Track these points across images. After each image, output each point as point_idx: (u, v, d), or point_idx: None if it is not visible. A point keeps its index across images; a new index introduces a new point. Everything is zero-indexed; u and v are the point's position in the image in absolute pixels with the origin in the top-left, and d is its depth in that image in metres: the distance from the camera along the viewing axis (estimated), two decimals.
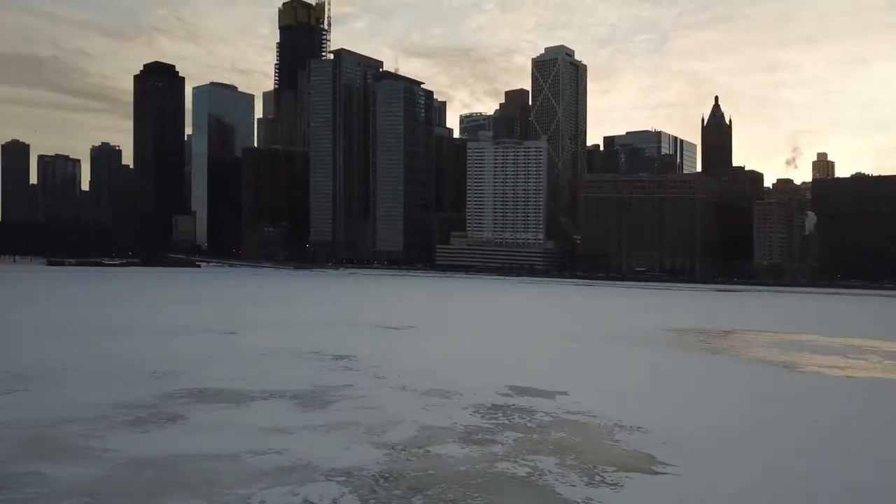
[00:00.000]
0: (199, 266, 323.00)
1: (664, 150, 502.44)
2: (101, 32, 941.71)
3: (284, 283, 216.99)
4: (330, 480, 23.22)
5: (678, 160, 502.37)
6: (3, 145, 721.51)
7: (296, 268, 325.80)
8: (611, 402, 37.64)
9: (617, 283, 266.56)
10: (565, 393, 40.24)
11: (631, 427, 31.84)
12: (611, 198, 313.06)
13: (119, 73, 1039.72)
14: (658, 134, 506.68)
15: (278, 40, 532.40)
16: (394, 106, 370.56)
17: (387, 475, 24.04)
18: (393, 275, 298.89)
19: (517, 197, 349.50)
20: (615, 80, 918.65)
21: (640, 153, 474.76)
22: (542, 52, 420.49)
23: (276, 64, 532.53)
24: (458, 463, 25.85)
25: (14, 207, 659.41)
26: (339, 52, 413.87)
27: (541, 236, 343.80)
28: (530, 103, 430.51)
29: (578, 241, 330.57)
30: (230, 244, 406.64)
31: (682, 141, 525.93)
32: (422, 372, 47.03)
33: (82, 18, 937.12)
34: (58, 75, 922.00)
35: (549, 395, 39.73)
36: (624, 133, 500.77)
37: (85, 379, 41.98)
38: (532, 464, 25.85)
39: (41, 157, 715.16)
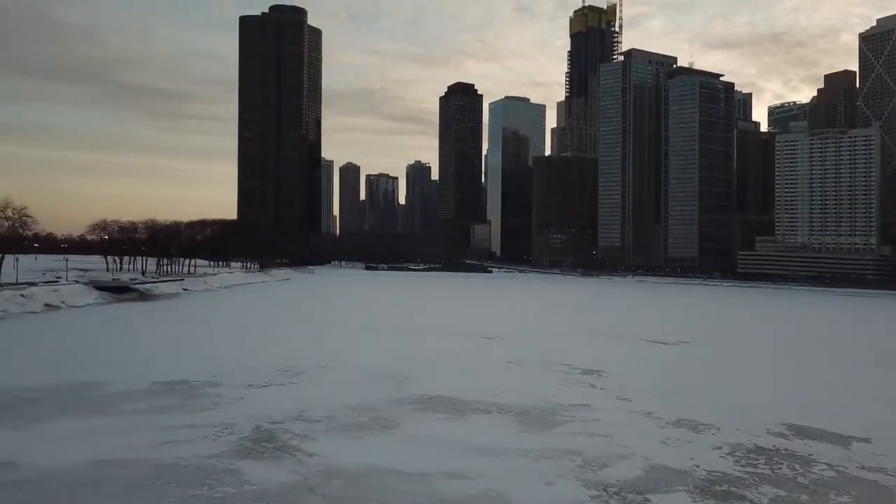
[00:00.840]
0: (490, 272, 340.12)
1: None
2: (416, 61, 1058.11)
3: (568, 289, 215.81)
4: None
5: None
6: (341, 167, 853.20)
7: (582, 274, 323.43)
8: None
9: None
10: (866, 440, 30.60)
11: None
12: None
13: (430, 96, 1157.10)
14: None
15: (569, 49, 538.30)
16: (688, 102, 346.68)
17: None
18: (686, 283, 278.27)
19: (840, 195, 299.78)
20: None
21: None
22: (874, 24, 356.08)
23: (566, 72, 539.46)
24: None
25: (347, 220, 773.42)
26: (630, 53, 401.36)
27: (873, 241, 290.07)
28: (857, 86, 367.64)
29: None
30: (521, 251, 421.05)
31: None
32: (677, 396, 40.43)
33: (400, 50, 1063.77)
34: (383, 103, 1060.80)
35: (842, 441, 30.55)
36: None
37: (340, 376, 44.35)
38: None
39: (368, 176, 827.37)
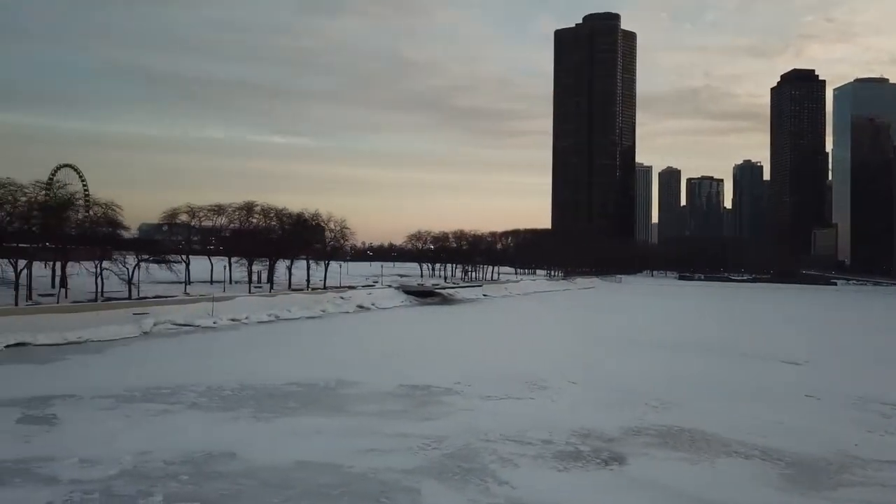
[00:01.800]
0: (833, 284, 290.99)
1: None
2: (747, 53, 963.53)
3: None
4: None
5: None
6: (659, 172, 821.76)
7: None
8: None
9: None
10: None
11: None
12: None
13: (762, 89, 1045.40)
14: None
15: None
16: None
17: None
18: None
19: None
20: None
21: None
22: None
23: None
24: None
25: (666, 227, 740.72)
26: None
27: None
28: None
29: None
30: (878, 260, 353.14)
31: None
32: None
33: (727, 44, 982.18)
34: (708, 102, 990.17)
35: None
36: None
37: (584, 394, 40.23)
38: None
39: (689, 180, 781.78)
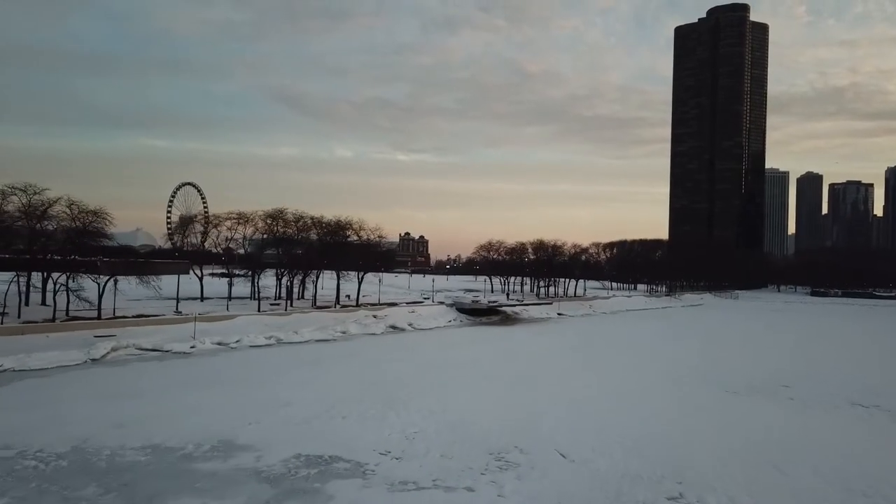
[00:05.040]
0: None
1: None
2: None
3: None
4: None
5: None
6: (798, 178, 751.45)
7: None
8: None
9: None
10: None
11: None
12: None
13: None
14: None
15: None
16: None
17: None
18: None
19: None
20: None
21: None
22: None
23: None
24: None
25: (805, 237, 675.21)
26: None
27: None
28: None
29: None
30: None
31: None
32: None
33: (880, 36, 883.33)
34: (856, 101, 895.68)
35: None
36: None
37: (567, 476, 25.96)
38: None
39: (832, 186, 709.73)
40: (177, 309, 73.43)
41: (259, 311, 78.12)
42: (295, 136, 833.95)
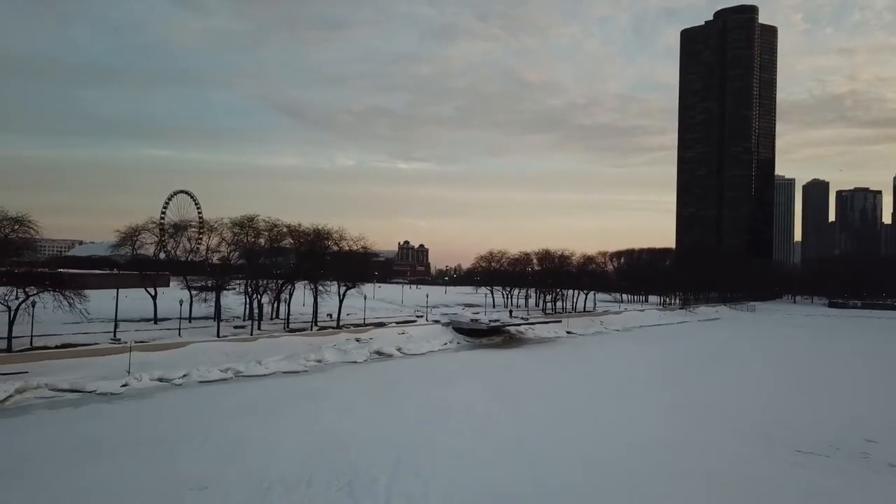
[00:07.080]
0: None
1: None
2: None
3: None
4: None
5: None
6: (804, 185, 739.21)
7: None
8: None
9: None
10: None
11: None
12: None
13: None
14: None
15: None
16: None
17: None
18: None
19: None
20: None
21: None
22: None
23: None
24: None
25: (811, 245, 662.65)
26: None
27: None
28: None
29: None
30: None
31: None
32: None
33: (875, 45, 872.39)
34: (855, 109, 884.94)
35: None
36: None
37: None
38: None
39: (839, 193, 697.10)
40: (114, 335, 61.80)
41: (219, 335, 66.44)
42: (296, 146, 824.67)
